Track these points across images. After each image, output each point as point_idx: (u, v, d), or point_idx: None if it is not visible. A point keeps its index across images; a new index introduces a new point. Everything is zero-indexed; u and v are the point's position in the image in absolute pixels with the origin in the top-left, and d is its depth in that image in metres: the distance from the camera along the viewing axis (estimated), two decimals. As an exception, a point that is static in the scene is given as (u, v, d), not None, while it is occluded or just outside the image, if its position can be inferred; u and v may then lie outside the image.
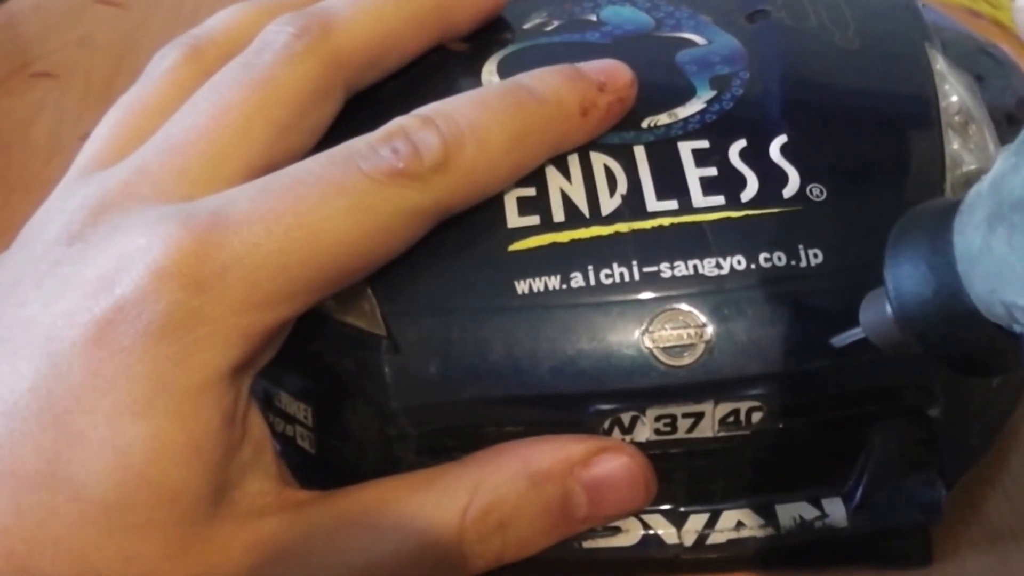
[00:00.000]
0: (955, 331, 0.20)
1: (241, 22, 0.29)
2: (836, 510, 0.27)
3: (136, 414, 0.21)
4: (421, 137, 0.23)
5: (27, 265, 0.24)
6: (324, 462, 0.26)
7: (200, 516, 0.22)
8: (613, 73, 0.27)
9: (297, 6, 0.28)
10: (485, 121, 0.24)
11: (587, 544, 0.26)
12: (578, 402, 0.24)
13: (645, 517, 0.26)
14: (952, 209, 0.19)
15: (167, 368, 0.21)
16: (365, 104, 0.28)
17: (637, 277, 0.24)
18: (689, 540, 0.26)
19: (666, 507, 0.27)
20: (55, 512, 0.21)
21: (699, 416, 0.25)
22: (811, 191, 0.26)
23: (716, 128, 0.27)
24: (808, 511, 0.27)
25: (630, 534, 0.26)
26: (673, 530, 0.26)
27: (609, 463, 0.25)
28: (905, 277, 0.20)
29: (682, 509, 0.27)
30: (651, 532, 0.26)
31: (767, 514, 0.26)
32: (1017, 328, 0.18)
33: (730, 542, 0.26)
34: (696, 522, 0.26)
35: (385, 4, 0.27)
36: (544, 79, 0.26)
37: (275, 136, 0.25)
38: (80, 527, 0.21)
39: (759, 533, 0.27)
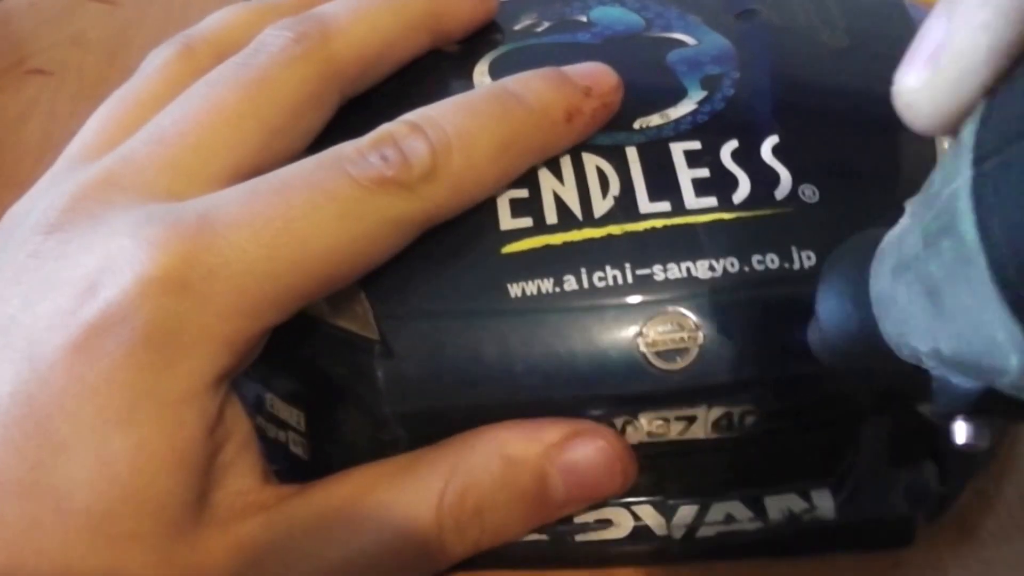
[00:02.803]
0: (876, 365, 0.19)
1: (235, 24, 0.28)
2: (824, 502, 0.26)
3: (120, 423, 0.20)
4: (409, 144, 0.23)
5: (4, 255, 0.22)
6: (317, 468, 0.25)
7: (184, 524, 0.21)
8: (598, 77, 0.26)
9: (291, 10, 0.27)
10: (472, 128, 0.23)
11: (579, 538, 0.26)
12: (571, 406, 0.24)
13: (635, 509, 0.26)
14: (875, 247, 0.19)
15: (151, 377, 0.20)
16: (356, 105, 0.27)
17: (630, 280, 0.24)
18: (678, 533, 0.26)
19: (656, 499, 0.26)
20: (39, 522, 0.20)
21: (692, 419, 0.24)
22: (803, 192, 0.25)
23: (708, 129, 0.26)
24: (796, 503, 0.26)
25: (621, 527, 0.26)
26: (663, 521, 0.26)
27: (586, 447, 0.24)
28: (832, 310, 0.20)
29: (671, 502, 0.26)
30: (641, 524, 0.26)
31: (756, 507, 0.26)
32: (928, 367, 0.17)
33: (719, 535, 0.26)
34: (685, 515, 0.26)
35: (381, 12, 0.27)
36: (530, 84, 0.25)
37: (267, 138, 0.24)
38: (64, 537, 0.20)
39: (748, 526, 0.26)
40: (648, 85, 0.27)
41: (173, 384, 0.21)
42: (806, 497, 0.26)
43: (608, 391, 0.23)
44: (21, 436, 0.20)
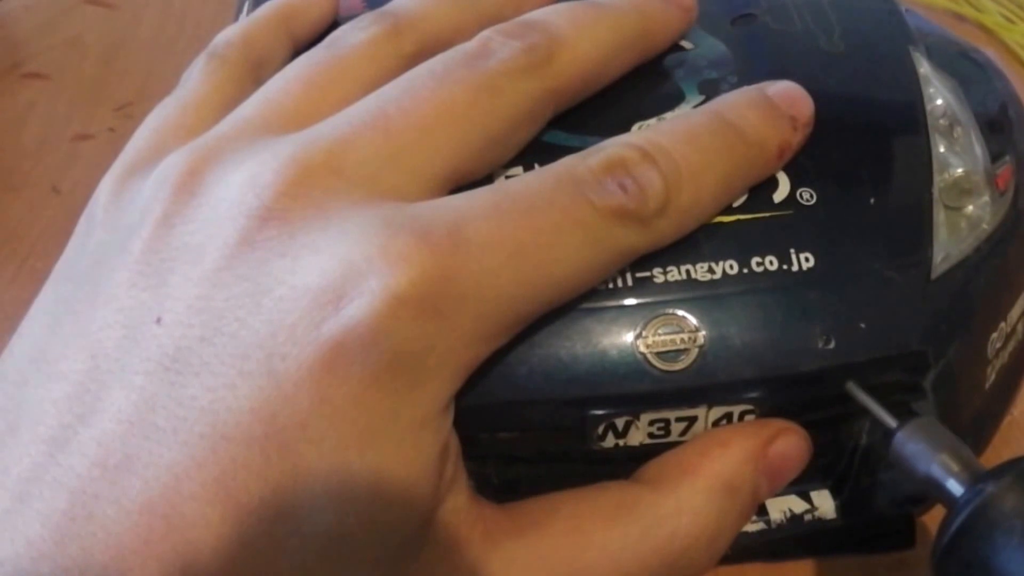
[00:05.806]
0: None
1: (441, 16, 0.26)
2: (825, 503, 0.26)
3: (361, 447, 0.19)
4: (644, 175, 0.21)
5: (203, 234, 0.20)
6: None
7: (409, 548, 0.20)
8: (801, 105, 0.25)
9: (494, 8, 0.26)
10: (699, 163, 0.22)
11: None
12: (572, 407, 0.23)
13: None
14: None
15: (393, 401, 0.19)
16: None
17: (630, 282, 0.23)
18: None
19: None
20: (279, 545, 0.19)
21: (692, 420, 0.24)
22: (801, 195, 0.25)
23: None
24: (798, 505, 0.26)
25: None
26: None
27: (785, 443, 0.24)
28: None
29: None
30: None
31: (758, 509, 0.26)
32: None
33: None
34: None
35: (600, 29, 0.25)
36: (747, 116, 0.24)
37: (485, 146, 0.23)
38: (303, 560, 0.19)
39: (750, 528, 0.26)
40: (646, 89, 0.27)
41: (414, 409, 0.19)
42: (806, 498, 0.26)
43: (608, 392, 0.23)
44: (262, 457, 0.18)
